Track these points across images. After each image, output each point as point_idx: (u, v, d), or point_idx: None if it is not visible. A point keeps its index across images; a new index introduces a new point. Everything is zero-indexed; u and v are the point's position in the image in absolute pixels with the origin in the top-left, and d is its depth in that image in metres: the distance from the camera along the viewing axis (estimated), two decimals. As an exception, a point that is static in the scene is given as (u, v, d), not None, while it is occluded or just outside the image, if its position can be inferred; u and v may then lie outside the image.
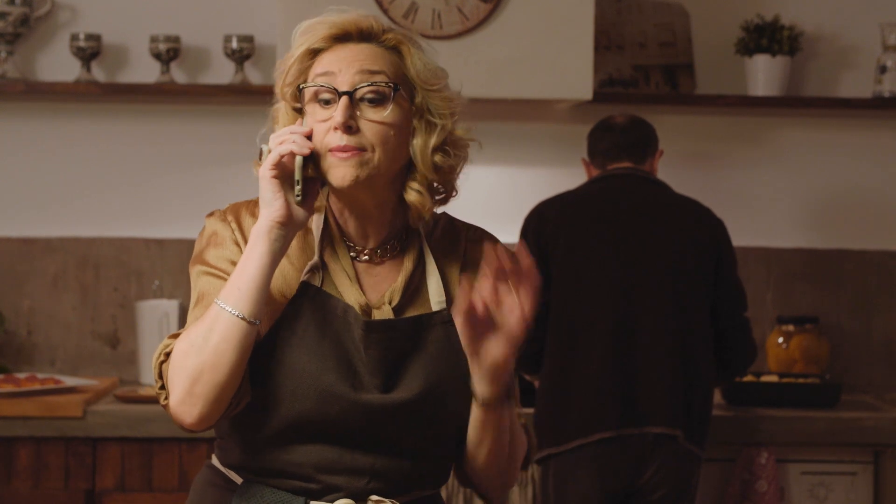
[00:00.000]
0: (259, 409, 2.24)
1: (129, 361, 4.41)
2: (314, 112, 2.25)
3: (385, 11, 4.11)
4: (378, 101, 2.22)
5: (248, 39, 4.35)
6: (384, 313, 2.27)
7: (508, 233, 4.35)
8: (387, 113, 2.22)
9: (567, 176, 4.45)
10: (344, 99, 2.20)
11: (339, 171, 2.22)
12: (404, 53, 2.26)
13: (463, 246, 2.38)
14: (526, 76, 4.14)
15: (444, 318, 2.29)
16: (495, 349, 2.19)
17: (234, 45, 4.33)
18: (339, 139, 2.20)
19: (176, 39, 4.34)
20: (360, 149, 2.21)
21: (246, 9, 4.44)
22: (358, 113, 2.22)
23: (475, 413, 2.27)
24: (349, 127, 2.20)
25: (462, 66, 4.10)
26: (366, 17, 2.26)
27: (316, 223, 2.31)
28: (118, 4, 4.44)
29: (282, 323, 2.24)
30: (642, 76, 4.49)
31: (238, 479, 2.30)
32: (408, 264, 2.32)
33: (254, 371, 2.23)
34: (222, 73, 4.43)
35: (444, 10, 4.14)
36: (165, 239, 4.44)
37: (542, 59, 4.12)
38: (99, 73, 4.42)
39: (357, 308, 2.26)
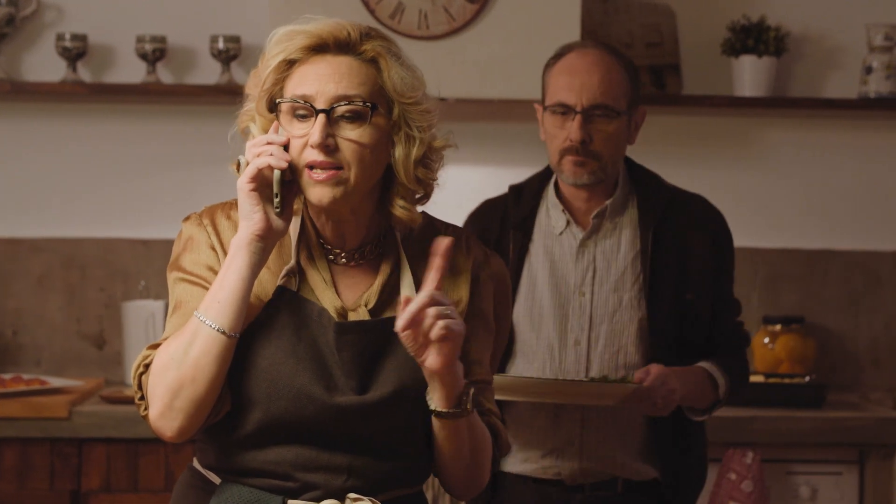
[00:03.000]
0: (235, 411, 2.25)
1: (115, 362, 4.41)
2: (290, 125, 2.24)
3: (372, 12, 4.11)
4: (355, 118, 2.22)
5: (235, 40, 4.34)
6: (360, 315, 2.28)
7: (495, 233, 4.36)
8: (364, 131, 2.22)
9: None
10: (321, 117, 2.20)
11: (317, 192, 2.23)
12: (382, 67, 2.24)
13: None
14: (513, 76, 4.14)
15: None
16: (432, 359, 2.18)
17: (221, 45, 4.33)
18: (316, 156, 2.20)
19: (162, 39, 4.33)
20: (337, 167, 2.22)
21: (232, 9, 4.44)
22: (335, 130, 2.22)
23: (433, 422, 2.28)
24: (327, 146, 2.21)
25: (449, 66, 4.10)
26: (342, 27, 2.24)
27: (293, 226, 2.31)
28: (104, 4, 4.43)
29: (258, 326, 2.25)
30: (629, 77, 4.49)
31: (217, 480, 2.31)
32: (385, 268, 2.32)
33: (230, 373, 2.24)
34: (209, 73, 4.43)
35: (431, 11, 4.14)
36: (151, 239, 4.44)
37: (528, 60, 4.12)
38: (85, 74, 4.41)
39: (333, 311, 2.26)
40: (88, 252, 4.44)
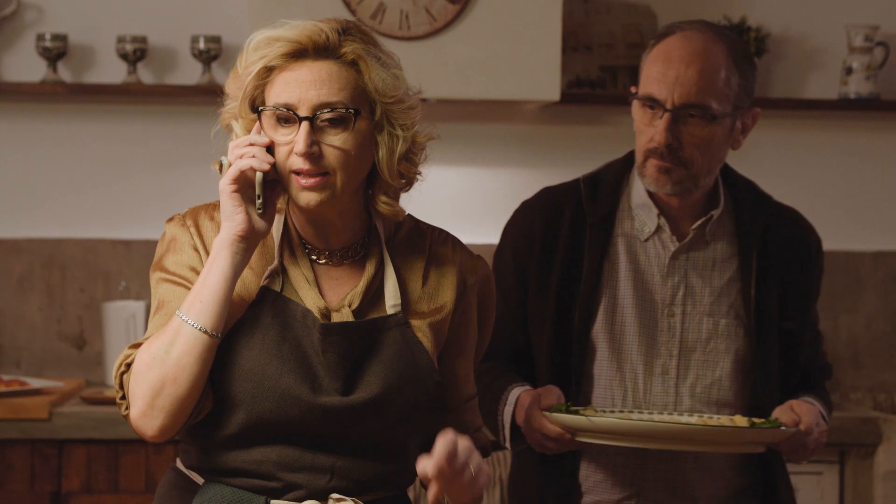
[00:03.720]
0: (219, 411, 2.25)
1: (96, 363, 4.39)
2: (274, 132, 2.24)
3: (353, 12, 4.11)
4: (338, 123, 2.22)
5: (216, 40, 4.34)
6: (343, 316, 2.28)
7: (476, 234, 4.35)
8: (347, 136, 2.22)
9: (535, 177, 4.46)
10: (305, 125, 2.21)
11: (304, 197, 2.23)
12: (362, 69, 2.24)
13: (427, 247, 2.38)
14: (494, 77, 4.14)
15: (399, 320, 2.30)
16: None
17: (202, 45, 4.32)
18: (302, 163, 2.21)
19: (143, 40, 4.32)
20: (323, 173, 2.22)
21: (213, 9, 4.43)
22: (319, 136, 2.22)
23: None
24: (312, 154, 2.21)
25: (430, 66, 4.10)
26: (320, 31, 2.23)
27: (276, 226, 2.31)
28: (84, 4, 4.42)
29: (241, 327, 2.25)
30: (610, 77, 4.49)
31: (200, 480, 2.31)
32: (370, 268, 2.32)
33: (214, 374, 2.24)
34: (189, 73, 4.42)
35: (412, 11, 4.14)
36: (132, 240, 4.43)
37: (509, 60, 4.13)
38: (65, 74, 4.40)
39: (316, 311, 2.26)
40: (69, 252, 4.43)
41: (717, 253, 2.80)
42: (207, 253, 2.27)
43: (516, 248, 2.88)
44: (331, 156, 2.22)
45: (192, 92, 4.33)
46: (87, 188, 4.44)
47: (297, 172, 2.22)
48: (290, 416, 2.23)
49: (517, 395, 2.78)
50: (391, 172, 2.28)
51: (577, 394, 2.78)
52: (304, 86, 2.22)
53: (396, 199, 2.32)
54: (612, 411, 2.73)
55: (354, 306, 2.29)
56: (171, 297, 2.28)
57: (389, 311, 2.31)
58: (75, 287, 4.43)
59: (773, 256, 2.81)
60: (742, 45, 2.76)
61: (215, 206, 2.32)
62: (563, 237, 2.80)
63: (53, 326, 4.43)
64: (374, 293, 2.32)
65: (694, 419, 2.69)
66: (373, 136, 2.26)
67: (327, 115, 2.21)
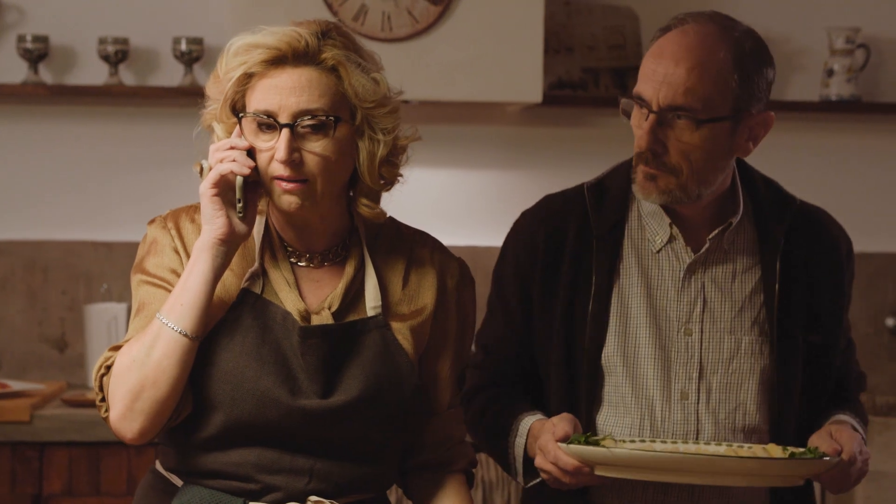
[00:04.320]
0: (198, 413, 2.25)
1: (78, 365, 4.38)
2: (255, 138, 2.25)
3: (335, 14, 4.11)
4: (319, 130, 2.23)
5: (198, 42, 4.33)
6: (323, 318, 2.28)
7: (457, 235, 4.36)
8: (327, 143, 2.23)
9: (518, 178, 4.46)
10: (285, 132, 2.21)
11: (286, 200, 2.24)
12: (342, 75, 2.24)
13: (408, 250, 2.39)
14: (476, 79, 4.14)
15: (379, 323, 2.30)
16: None
17: (184, 47, 4.31)
18: (283, 170, 2.21)
19: (124, 41, 4.31)
20: (303, 180, 2.22)
21: (195, 11, 4.42)
22: (300, 143, 2.23)
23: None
24: (292, 161, 2.22)
25: (412, 68, 4.10)
26: (299, 37, 2.23)
27: (257, 228, 2.32)
28: (66, 6, 4.41)
29: (222, 329, 2.25)
30: (592, 79, 4.50)
31: (179, 482, 2.31)
32: (349, 270, 2.32)
33: (193, 376, 2.24)
34: (171, 75, 4.41)
35: (394, 13, 4.14)
36: (114, 242, 4.41)
37: (491, 62, 4.13)
38: (46, 75, 4.39)
39: (296, 314, 2.27)
40: (50, 254, 4.42)
41: (738, 263, 2.56)
42: (188, 255, 2.27)
43: (518, 261, 2.64)
44: (311, 162, 2.23)
45: (173, 93, 4.32)
46: (69, 190, 4.43)
47: (278, 178, 2.23)
48: (269, 418, 2.23)
49: (529, 424, 2.53)
50: (372, 176, 2.28)
51: (589, 422, 2.55)
52: (284, 93, 2.22)
53: (377, 201, 2.32)
54: (633, 441, 2.47)
55: (334, 308, 2.30)
56: (152, 299, 2.28)
57: (370, 312, 2.31)
58: (57, 289, 4.42)
59: (799, 263, 2.56)
60: (753, 43, 2.50)
61: (196, 209, 2.32)
62: (568, 250, 2.57)
63: (35, 329, 4.41)
64: (354, 295, 2.32)
65: (723, 449, 2.44)
66: (353, 141, 2.27)
67: (308, 123, 2.22)
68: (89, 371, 4.28)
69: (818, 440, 2.44)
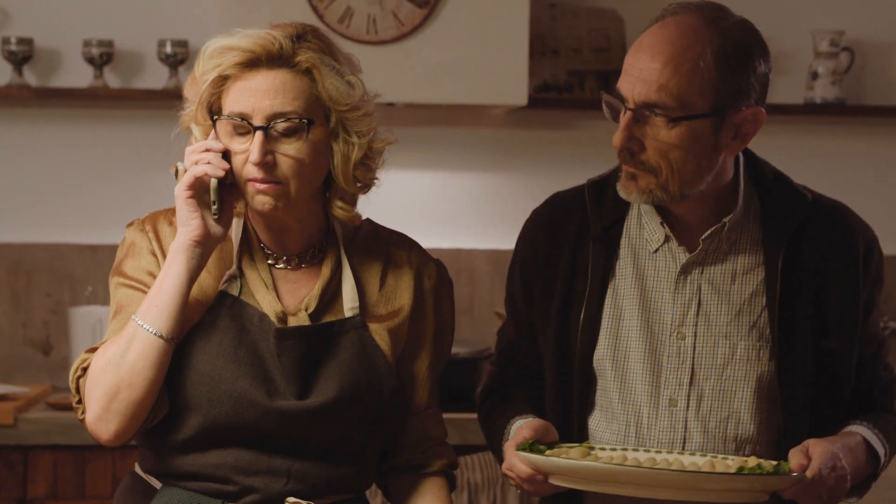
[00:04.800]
0: (175, 414, 2.26)
1: (62, 368, 4.37)
2: (230, 140, 2.26)
3: (320, 17, 4.10)
4: (292, 133, 2.24)
5: (182, 44, 4.32)
6: (300, 320, 2.29)
7: (442, 238, 4.36)
8: (301, 146, 2.24)
9: (502, 181, 4.47)
10: (259, 135, 2.23)
11: (259, 200, 2.25)
12: (316, 77, 2.26)
13: (386, 251, 2.39)
14: (461, 81, 4.14)
15: (357, 323, 2.31)
16: None
17: (168, 49, 4.31)
18: (256, 172, 2.23)
19: (109, 44, 4.31)
20: (276, 182, 2.23)
21: (180, 13, 4.42)
22: (273, 146, 2.24)
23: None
24: (266, 164, 2.23)
25: (397, 71, 4.10)
26: (274, 40, 2.25)
27: (235, 230, 2.33)
28: (51, 8, 4.40)
29: (199, 331, 2.26)
30: (577, 81, 4.50)
31: (157, 484, 2.32)
32: (325, 271, 2.34)
33: (170, 378, 2.25)
34: (156, 77, 4.40)
35: (380, 16, 4.14)
36: (99, 245, 4.41)
37: (477, 65, 4.13)
38: (31, 78, 4.38)
39: (273, 316, 2.27)
40: (35, 257, 4.41)
41: (739, 264, 2.44)
42: (165, 258, 2.28)
43: (523, 261, 2.56)
44: (284, 165, 2.24)
45: (158, 96, 4.32)
46: (54, 192, 4.42)
47: (252, 180, 2.24)
48: (247, 419, 2.24)
49: (517, 427, 2.45)
50: (346, 179, 2.29)
51: (581, 426, 2.48)
52: (258, 95, 2.23)
53: (353, 204, 2.34)
54: (614, 449, 2.39)
55: (311, 310, 2.31)
56: (129, 301, 2.29)
57: (348, 313, 2.32)
58: (41, 292, 4.41)
59: (809, 263, 2.42)
60: (742, 35, 2.37)
61: (174, 211, 2.33)
62: (566, 250, 2.48)
63: (19, 332, 4.40)
64: (331, 296, 2.33)
65: (699, 459, 2.33)
66: (328, 144, 2.28)
67: (281, 125, 2.23)
68: (74, 374, 4.28)
69: (793, 454, 2.30)
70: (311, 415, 2.26)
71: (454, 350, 4.03)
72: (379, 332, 2.33)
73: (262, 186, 2.23)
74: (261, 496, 2.27)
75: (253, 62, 2.24)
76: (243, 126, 2.24)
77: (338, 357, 2.29)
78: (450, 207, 4.47)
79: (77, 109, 4.42)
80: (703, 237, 2.42)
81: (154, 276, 2.28)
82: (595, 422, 2.49)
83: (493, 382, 2.64)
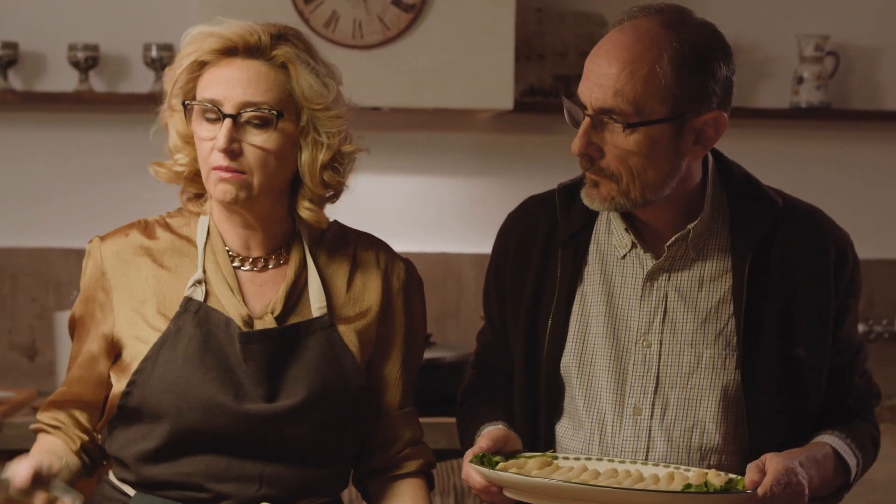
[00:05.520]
0: (146, 424, 2.26)
1: (48, 373, 4.36)
2: (199, 126, 2.27)
3: (306, 21, 4.10)
4: (261, 124, 2.25)
5: (168, 48, 4.32)
6: (266, 323, 2.30)
7: (428, 242, 4.36)
8: (268, 137, 2.25)
9: (488, 186, 4.47)
10: (227, 122, 2.24)
11: (220, 188, 2.26)
12: (291, 73, 2.27)
13: (353, 252, 2.40)
14: (447, 86, 4.14)
15: (325, 323, 2.32)
16: None
17: (154, 53, 4.30)
18: (221, 160, 2.23)
19: (94, 48, 4.30)
20: (240, 171, 2.24)
21: (165, 17, 4.41)
22: (241, 135, 2.25)
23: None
24: (231, 151, 2.23)
25: (383, 75, 4.10)
26: (253, 31, 2.27)
27: (199, 234, 2.33)
28: (36, 12, 4.40)
29: (165, 340, 2.27)
30: (563, 86, 4.50)
31: (131, 491, 2.32)
32: (289, 273, 2.34)
33: (138, 388, 2.27)
34: (142, 81, 4.40)
35: (365, 20, 4.14)
36: (84, 249, 4.39)
37: (462, 69, 4.13)
38: (16, 82, 4.37)
39: (239, 320, 2.28)
40: (20, 262, 4.40)
41: (707, 271, 2.39)
42: (108, 280, 2.35)
43: (496, 265, 2.55)
44: (250, 155, 2.25)
45: (144, 100, 4.31)
46: (39, 197, 4.41)
47: (217, 168, 2.24)
48: (217, 424, 2.24)
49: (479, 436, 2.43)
50: (313, 179, 2.30)
51: (549, 433, 2.45)
52: (231, 84, 2.25)
53: (320, 206, 2.35)
54: (577, 458, 2.35)
55: (277, 313, 2.31)
56: (85, 315, 2.40)
57: (315, 313, 2.32)
58: (27, 297, 4.40)
59: (778, 270, 2.37)
60: (702, 39, 2.31)
61: (131, 227, 2.39)
62: (535, 254, 2.45)
63: (4, 336, 4.39)
64: (297, 298, 2.34)
65: (660, 471, 2.29)
66: (297, 141, 2.29)
67: (250, 115, 2.24)
68: (60, 379, 4.26)
69: (749, 468, 2.23)
70: (279, 417, 2.26)
71: (441, 354, 4.05)
72: (347, 334, 2.34)
73: (226, 175, 2.24)
74: (234, 502, 2.27)
75: (230, 50, 2.26)
76: (213, 112, 2.25)
77: (304, 358, 2.29)
78: (436, 212, 4.47)
79: (62, 114, 4.41)
80: (667, 244, 2.38)
81: (97, 300, 2.38)
82: (563, 429, 2.46)
83: (470, 386, 2.63)
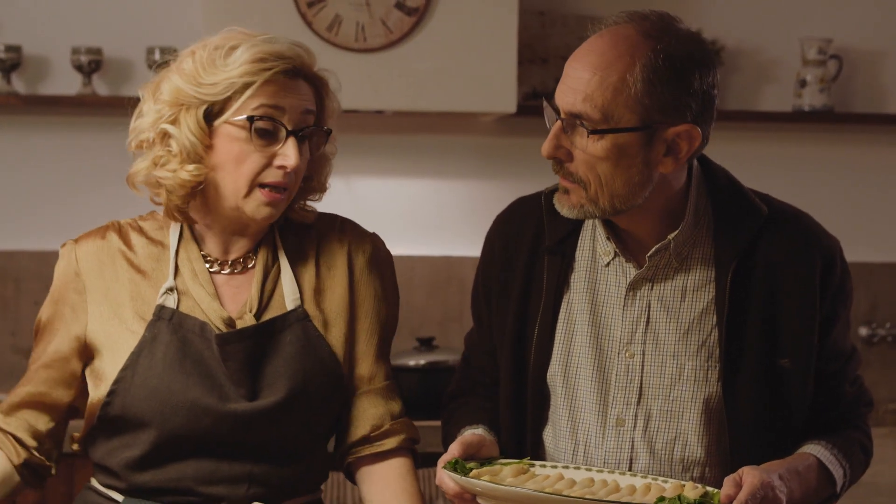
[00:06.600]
0: (130, 432, 2.26)
1: (50, 376, 4.36)
2: (247, 142, 2.25)
3: (309, 25, 4.10)
4: (308, 139, 2.30)
5: (172, 51, 4.30)
6: (246, 322, 2.31)
7: (432, 245, 4.36)
8: (306, 152, 2.31)
9: (491, 189, 4.47)
10: (293, 140, 2.25)
11: (264, 211, 2.27)
12: (323, 92, 2.32)
13: (316, 238, 2.40)
14: (450, 89, 4.15)
15: (300, 315, 2.32)
16: None
17: (157, 57, 4.31)
18: (282, 178, 2.23)
19: (98, 51, 4.31)
20: (289, 188, 2.28)
21: (169, 21, 4.42)
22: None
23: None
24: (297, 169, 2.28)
25: (386, 78, 4.10)
26: (306, 52, 2.29)
27: (172, 240, 2.34)
28: (39, 16, 4.40)
29: (142, 348, 2.28)
30: (566, 89, 4.51)
31: (119, 497, 2.32)
32: (258, 271, 2.34)
33: (119, 397, 2.27)
34: (145, 85, 4.40)
35: (368, 23, 4.14)
36: (87, 252, 4.40)
37: (466, 72, 4.13)
38: (19, 85, 4.37)
39: (220, 323, 2.29)
40: (23, 265, 4.40)
41: (690, 281, 2.34)
42: (82, 280, 2.35)
43: (483, 268, 2.52)
44: (296, 171, 2.29)
45: (147, 104, 4.32)
46: (42, 200, 4.41)
47: (265, 185, 2.24)
48: (203, 427, 2.25)
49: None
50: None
51: (535, 441, 2.42)
52: (291, 99, 2.26)
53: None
54: (555, 466, 2.32)
55: (254, 311, 2.31)
56: (53, 317, 2.39)
57: (289, 306, 2.32)
58: (29, 300, 4.40)
59: (761, 280, 2.32)
60: (682, 50, 2.24)
61: (107, 228, 2.44)
62: (522, 259, 2.42)
63: (7, 339, 4.40)
64: (272, 294, 2.34)
65: (638, 481, 2.26)
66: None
67: (308, 133, 2.28)
68: (62, 382, 4.27)
69: (726, 482, 2.18)
70: (263, 415, 2.27)
71: (444, 357, 4.04)
72: (321, 322, 2.34)
73: (279, 196, 2.26)
74: None
75: (294, 71, 2.28)
76: (274, 129, 2.25)
77: (283, 354, 2.30)
78: (439, 215, 4.47)
79: (66, 117, 4.42)
80: (648, 254, 2.33)
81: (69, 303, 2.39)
82: (548, 437, 2.43)
83: (456, 387, 2.60)
